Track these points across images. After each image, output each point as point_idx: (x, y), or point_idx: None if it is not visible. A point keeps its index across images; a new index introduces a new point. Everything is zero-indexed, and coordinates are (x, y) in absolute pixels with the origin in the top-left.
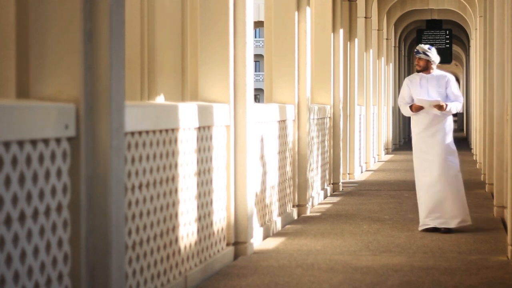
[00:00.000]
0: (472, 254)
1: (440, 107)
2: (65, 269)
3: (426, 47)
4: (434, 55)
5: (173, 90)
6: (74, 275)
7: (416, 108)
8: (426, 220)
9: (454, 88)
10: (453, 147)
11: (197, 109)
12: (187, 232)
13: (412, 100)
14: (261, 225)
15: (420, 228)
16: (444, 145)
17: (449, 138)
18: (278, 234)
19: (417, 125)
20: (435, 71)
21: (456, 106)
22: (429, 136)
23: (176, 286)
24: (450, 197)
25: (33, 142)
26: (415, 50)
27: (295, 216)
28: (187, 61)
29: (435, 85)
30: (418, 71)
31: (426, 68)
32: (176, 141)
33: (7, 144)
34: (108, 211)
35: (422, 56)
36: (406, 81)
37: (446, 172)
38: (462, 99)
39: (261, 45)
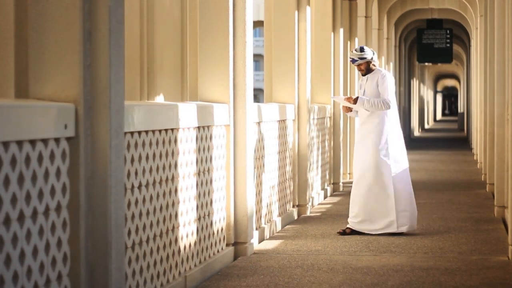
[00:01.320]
0: (473, 254)
1: (348, 99)
2: (64, 270)
3: (358, 51)
4: (369, 54)
5: (172, 89)
6: (74, 275)
7: (345, 109)
8: (350, 220)
9: (384, 86)
10: (385, 152)
11: (197, 108)
12: (186, 232)
13: None
14: (258, 228)
15: (352, 227)
16: (372, 149)
17: (382, 142)
18: (278, 234)
19: (360, 121)
20: (377, 69)
21: (374, 101)
22: (361, 136)
23: (176, 287)
24: (372, 201)
25: (32, 142)
26: (351, 60)
27: (295, 216)
28: (186, 61)
29: (370, 84)
30: (364, 75)
31: (369, 69)
32: (175, 141)
33: (6, 144)
34: (107, 211)
35: (360, 61)
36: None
37: (373, 175)
38: (386, 97)
39: (261, 45)
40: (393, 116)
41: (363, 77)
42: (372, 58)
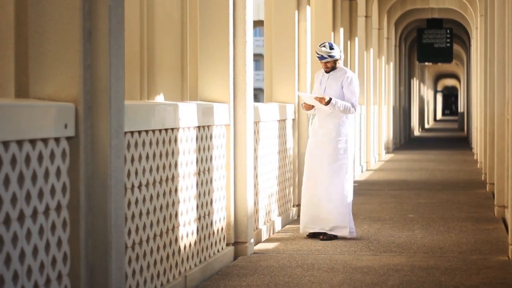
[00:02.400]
0: (473, 254)
1: (321, 100)
2: (64, 269)
3: (327, 48)
4: (338, 52)
5: (172, 89)
6: (74, 275)
7: (307, 106)
8: (307, 226)
9: (350, 88)
10: (345, 150)
11: (197, 108)
12: (186, 232)
13: None
14: (257, 228)
15: (302, 232)
16: (329, 150)
17: (340, 144)
18: (278, 234)
19: (313, 122)
20: (340, 68)
21: (344, 105)
22: (321, 135)
23: (176, 286)
24: (325, 204)
25: (32, 142)
26: (318, 56)
27: (295, 216)
28: (186, 61)
29: (333, 83)
30: (327, 72)
31: (334, 67)
32: (175, 140)
33: (6, 144)
34: (107, 211)
35: (329, 59)
36: (314, 77)
37: (327, 179)
38: (354, 102)
39: (261, 45)
40: (352, 118)
41: (321, 72)
42: (339, 58)
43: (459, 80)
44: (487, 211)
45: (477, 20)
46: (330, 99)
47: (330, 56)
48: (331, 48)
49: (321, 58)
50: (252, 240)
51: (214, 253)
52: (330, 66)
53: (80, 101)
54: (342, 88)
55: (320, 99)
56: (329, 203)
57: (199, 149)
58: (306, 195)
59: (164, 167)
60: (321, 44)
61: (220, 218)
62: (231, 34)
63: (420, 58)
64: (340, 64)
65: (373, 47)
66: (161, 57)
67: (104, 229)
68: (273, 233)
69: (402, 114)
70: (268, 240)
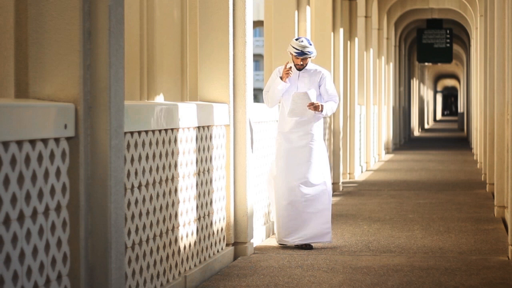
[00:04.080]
0: (473, 254)
1: (315, 108)
2: (64, 270)
3: (305, 42)
4: (315, 50)
5: (172, 89)
6: (73, 275)
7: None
8: (285, 237)
9: (330, 86)
10: (325, 154)
11: (197, 108)
12: (186, 232)
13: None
14: (257, 228)
15: (279, 242)
16: (312, 152)
17: (321, 144)
18: None
19: (284, 124)
20: (309, 65)
21: (331, 107)
22: (296, 139)
23: (176, 286)
24: (312, 212)
25: (32, 142)
26: (298, 51)
27: None
28: (186, 61)
29: (307, 82)
30: (299, 70)
31: (306, 64)
32: (175, 140)
33: (5, 144)
34: (107, 211)
35: (307, 56)
36: (276, 72)
37: (311, 183)
38: (337, 99)
39: (261, 45)
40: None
41: (296, 70)
42: (314, 56)
43: (459, 80)
44: (487, 211)
45: (477, 20)
46: (322, 106)
47: (309, 53)
48: (310, 44)
49: (300, 54)
50: (252, 240)
51: (214, 254)
52: (305, 63)
53: (80, 101)
54: (319, 87)
55: (316, 107)
56: (318, 212)
57: (199, 149)
58: (287, 208)
59: (164, 168)
60: (297, 39)
61: (220, 219)
62: (231, 34)
63: (420, 58)
64: (309, 62)
65: (373, 48)
66: (161, 57)
67: (104, 229)
68: (273, 233)
69: (402, 115)
70: (268, 240)
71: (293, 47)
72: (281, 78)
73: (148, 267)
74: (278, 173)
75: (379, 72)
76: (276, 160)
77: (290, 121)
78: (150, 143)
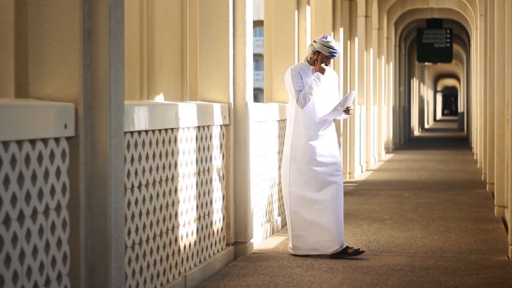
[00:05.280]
0: (473, 254)
1: (348, 111)
2: (64, 269)
3: (336, 42)
4: None
5: (172, 89)
6: (73, 275)
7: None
8: (299, 245)
9: (338, 87)
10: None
11: (197, 108)
12: (186, 232)
13: None
14: (261, 225)
15: (294, 252)
16: (337, 152)
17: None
18: (278, 234)
19: (311, 128)
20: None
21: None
22: (324, 142)
23: (176, 286)
24: (331, 218)
25: (32, 142)
26: (334, 51)
27: None
28: (186, 61)
29: (330, 84)
30: (322, 70)
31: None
32: (175, 140)
33: (6, 144)
34: (107, 210)
35: (336, 55)
36: (294, 72)
37: (333, 187)
38: None
39: (261, 45)
40: None
41: (307, 68)
42: None
43: (459, 80)
44: (487, 211)
45: (477, 20)
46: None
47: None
48: (337, 43)
49: (336, 53)
50: (252, 240)
51: (214, 253)
52: (329, 63)
53: (80, 101)
54: (334, 90)
55: (349, 110)
56: (335, 223)
57: (199, 149)
58: (307, 221)
59: (164, 167)
60: (326, 37)
61: (220, 218)
62: (231, 34)
63: (420, 58)
64: None
65: (373, 47)
66: (161, 57)
67: (104, 229)
68: (273, 233)
69: (402, 114)
70: (268, 240)
71: (327, 47)
72: (319, 72)
73: (148, 266)
74: (295, 181)
75: (379, 71)
76: (296, 166)
77: (318, 125)
78: (150, 143)
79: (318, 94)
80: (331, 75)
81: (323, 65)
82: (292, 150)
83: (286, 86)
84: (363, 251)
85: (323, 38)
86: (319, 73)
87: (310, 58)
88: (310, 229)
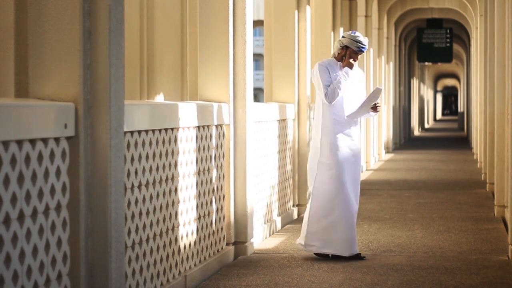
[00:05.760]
0: (473, 254)
1: (376, 108)
2: (64, 269)
3: (363, 36)
4: None
5: (172, 89)
6: (73, 275)
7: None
8: (311, 241)
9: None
10: None
11: (197, 108)
12: (186, 232)
13: None
14: (261, 225)
15: (305, 249)
16: (360, 149)
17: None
18: (278, 234)
19: (339, 124)
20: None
21: None
22: (350, 139)
23: (176, 286)
24: (350, 216)
25: (32, 142)
26: (362, 46)
27: (295, 216)
28: (186, 60)
29: (356, 81)
30: (350, 65)
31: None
32: (175, 140)
33: (6, 144)
34: (107, 210)
35: (365, 50)
36: (322, 67)
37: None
38: None
39: (261, 45)
40: None
41: (335, 64)
42: None
43: (459, 80)
44: (487, 211)
45: (477, 20)
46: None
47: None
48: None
49: (365, 48)
50: (252, 240)
51: (214, 253)
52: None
53: (80, 100)
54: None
55: (376, 106)
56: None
57: (199, 149)
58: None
59: (164, 167)
60: (354, 32)
61: (220, 218)
62: (231, 34)
63: (420, 58)
64: None
65: (373, 47)
66: (161, 57)
67: (104, 229)
68: (273, 233)
69: (402, 114)
70: (268, 240)
71: (356, 42)
72: (347, 67)
73: (148, 266)
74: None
75: (379, 71)
76: (329, 168)
77: (347, 123)
78: (150, 143)
79: (346, 90)
80: (358, 73)
81: (351, 60)
82: (322, 146)
83: (313, 81)
84: (363, 257)
85: (351, 33)
86: (347, 68)
87: (338, 53)
88: (327, 227)
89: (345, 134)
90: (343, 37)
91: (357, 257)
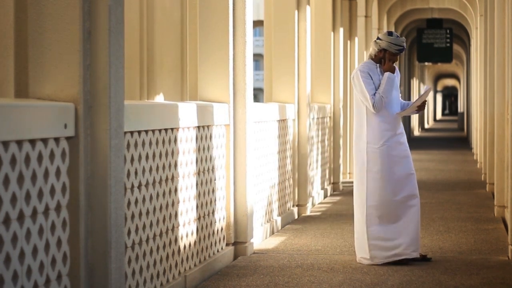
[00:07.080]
0: (473, 254)
1: (421, 107)
2: (64, 269)
3: (398, 35)
4: None
5: (172, 89)
6: (73, 275)
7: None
8: (383, 253)
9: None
10: None
11: (197, 108)
12: (186, 232)
13: None
14: (261, 225)
15: (379, 262)
16: (408, 149)
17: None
18: (278, 234)
19: (388, 128)
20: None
21: None
22: (400, 142)
23: (176, 286)
24: (413, 219)
25: (32, 142)
26: (401, 48)
27: (295, 216)
28: (186, 60)
29: (397, 81)
30: (392, 69)
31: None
32: (175, 140)
33: (5, 144)
34: (107, 210)
35: (404, 50)
36: (364, 74)
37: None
38: None
39: (261, 45)
40: None
41: (374, 67)
42: None
43: (459, 80)
44: (487, 211)
45: (477, 20)
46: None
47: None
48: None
49: (403, 50)
50: (252, 240)
51: (214, 253)
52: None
53: (79, 101)
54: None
55: (422, 106)
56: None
57: (198, 149)
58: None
59: (164, 167)
60: (391, 33)
61: (220, 218)
62: (231, 34)
63: (420, 58)
64: None
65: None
66: (161, 57)
67: (104, 229)
68: (273, 233)
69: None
70: (268, 240)
71: (394, 44)
72: (390, 72)
73: (148, 266)
74: (376, 185)
75: None
76: (374, 172)
77: (394, 124)
78: (150, 143)
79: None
80: (397, 74)
81: (391, 63)
82: (368, 154)
83: (355, 89)
84: (430, 258)
85: (388, 35)
86: (390, 73)
87: (375, 55)
88: (389, 235)
89: (394, 137)
90: (379, 39)
91: (424, 258)
